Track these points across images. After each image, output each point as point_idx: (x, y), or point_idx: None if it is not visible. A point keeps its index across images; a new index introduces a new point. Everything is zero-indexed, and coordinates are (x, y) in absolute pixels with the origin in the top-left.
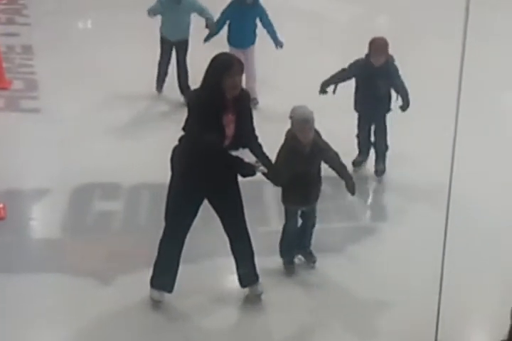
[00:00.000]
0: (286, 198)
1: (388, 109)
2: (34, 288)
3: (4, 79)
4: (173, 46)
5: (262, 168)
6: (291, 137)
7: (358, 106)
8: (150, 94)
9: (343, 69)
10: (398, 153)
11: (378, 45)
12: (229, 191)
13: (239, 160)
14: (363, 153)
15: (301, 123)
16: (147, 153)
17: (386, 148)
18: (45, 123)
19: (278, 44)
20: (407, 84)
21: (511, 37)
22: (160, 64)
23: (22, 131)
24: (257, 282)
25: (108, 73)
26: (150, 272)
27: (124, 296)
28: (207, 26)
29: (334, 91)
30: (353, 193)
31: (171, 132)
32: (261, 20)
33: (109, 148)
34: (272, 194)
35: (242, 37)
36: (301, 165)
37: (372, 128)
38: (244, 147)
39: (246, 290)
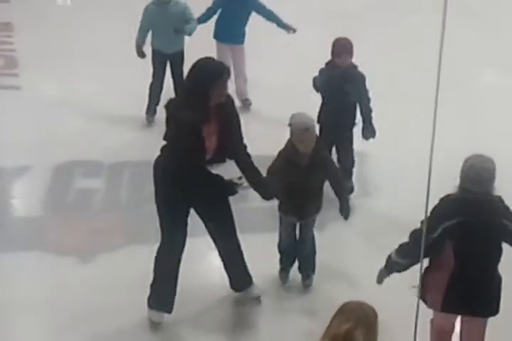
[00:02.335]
0: (280, 207)
1: (354, 123)
2: (15, 266)
3: None
4: (167, 60)
5: (245, 184)
6: (290, 146)
7: (322, 116)
8: (132, 73)
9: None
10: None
11: (342, 45)
12: (216, 201)
13: (218, 179)
14: None
15: (300, 132)
16: (129, 130)
17: (353, 163)
18: (25, 100)
19: (289, 29)
20: (385, 64)
21: (490, 14)
22: (152, 86)
23: (1, 108)
24: (252, 284)
25: (89, 51)
26: (132, 250)
27: (106, 274)
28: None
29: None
30: (346, 217)
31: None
32: (259, 13)
33: (90, 125)
34: None
35: (231, 32)
36: (298, 177)
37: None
38: (230, 158)
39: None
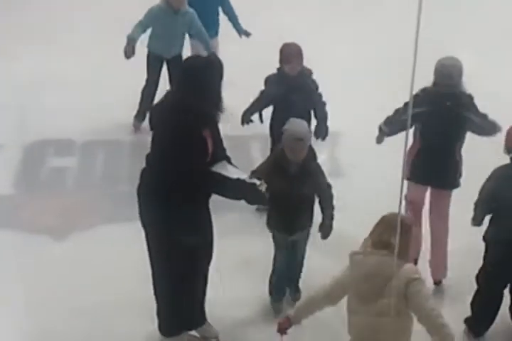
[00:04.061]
0: (269, 223)
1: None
2: None
3: None
4: (163, 63)
5: (262, 182)
6: (280, 152)
7: (274, 130)
8: (110, 50)
9: (262, 92)
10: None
11: (291, 51)
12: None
13: (241, 184)
14: None
15: (292, 141)
16: (102, 109)
17: None
18: None
19: (242, 32)
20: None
21: None
22: (145, 91)
23: None
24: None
25: (65, 28)
26: (105, 229)
27: (79, 252)
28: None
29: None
30: (324, 237)
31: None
32: (221, 6)
33: (63, 104)
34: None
35: (204, 27)
36: (285, 186)
37: None
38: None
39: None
